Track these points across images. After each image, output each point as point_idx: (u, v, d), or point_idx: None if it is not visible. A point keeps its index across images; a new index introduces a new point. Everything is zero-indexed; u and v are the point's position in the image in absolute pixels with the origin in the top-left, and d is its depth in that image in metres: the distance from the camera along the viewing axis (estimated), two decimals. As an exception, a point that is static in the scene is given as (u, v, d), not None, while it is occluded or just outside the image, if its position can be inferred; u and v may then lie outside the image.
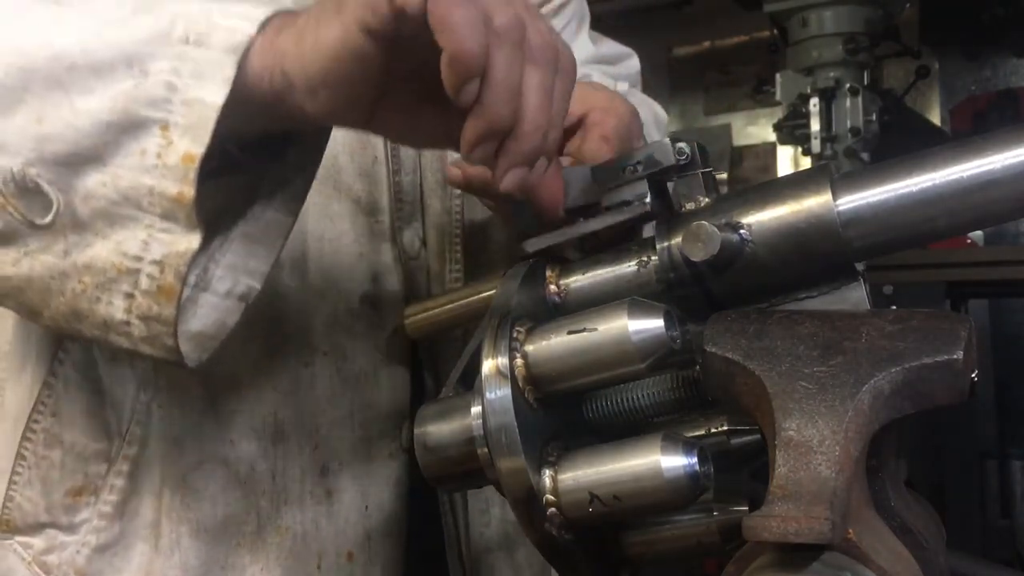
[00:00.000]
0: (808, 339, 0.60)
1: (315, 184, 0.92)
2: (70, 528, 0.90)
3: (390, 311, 0.97)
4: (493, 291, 0.73)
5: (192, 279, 0.71)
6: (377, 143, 0.98)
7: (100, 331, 0.72)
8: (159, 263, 0.68)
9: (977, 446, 2.45)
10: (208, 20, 0.67)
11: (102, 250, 0.68)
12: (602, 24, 1.37)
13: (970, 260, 2.37)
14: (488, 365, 0.65)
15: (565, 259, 0.75)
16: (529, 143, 0.63)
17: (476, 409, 0.68)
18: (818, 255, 0.64)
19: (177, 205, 0.66)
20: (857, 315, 0.61)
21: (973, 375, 0.58)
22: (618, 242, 0.73)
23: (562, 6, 1.28)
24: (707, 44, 4.06)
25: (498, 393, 0.64)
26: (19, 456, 0.91)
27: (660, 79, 3.96)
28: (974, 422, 2.46)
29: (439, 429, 0.73)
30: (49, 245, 0.69)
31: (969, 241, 2.67)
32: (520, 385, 0.65)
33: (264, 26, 0.67)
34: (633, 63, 1.36)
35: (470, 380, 0.76)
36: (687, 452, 0.61)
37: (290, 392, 0.93)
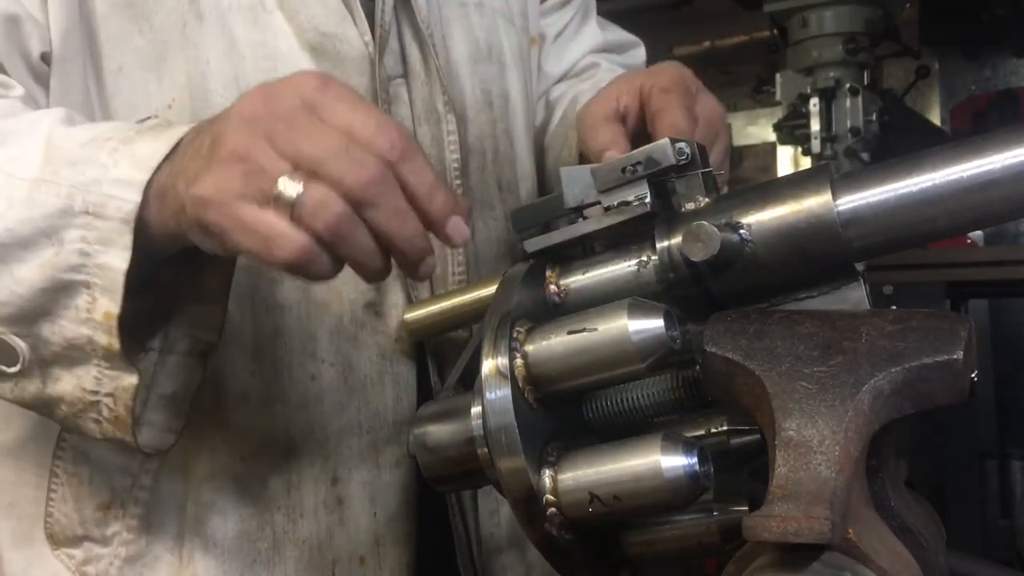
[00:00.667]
0: (808, 339, 0.60)
1: None
2: (103, 541, 0.93)
3: (394, 317, 0.97)
4: (493, 291, 0.73)
5: (156, 344, 0.81)
6: None
7: (96, 441, 0.84)
8: (112, 395, 0.78)
9: (977, 446, 2.45)
10: (100, 192, 0.74)
11: (68, 384, 0.79)
12: (601, 23, 1.37)
13: (970, 260, 2.36)
14: (488, 365, 0.65)
15: (565, 259, 0.75)
16: (414, 254, 0.69)
17: (476, 409, 0.68)
18: (818, 255, 0.64)
19: (110, 352, 0.76)
20: (857, 315, 0.61)
21: (973, 375, 0.58)
22: (618, 242, 0.73)
23: (567, 0, 1.28)
24: (707, 44, 4.06)
25: (498, 393, 0.64)
26: (52, 473, 0.94)
27: (660, 79, 3.95)
28: (974, 422, 2.45)
29: (439, 429, 0.73)
30: (29, 381, 0.80)
31: (969, 241, 2.67)
32: (520, 385, 0.65)
33: (149, 188, 0.73)
34: (640, 53, 1.36)
35: (470, 380, 0.76)
36: (687, 452, 0.61)
37: (299, 406, 0.93)
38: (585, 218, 0.74)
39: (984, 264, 2.34)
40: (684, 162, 0.70)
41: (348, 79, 0.95)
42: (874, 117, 2.59)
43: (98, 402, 0.78)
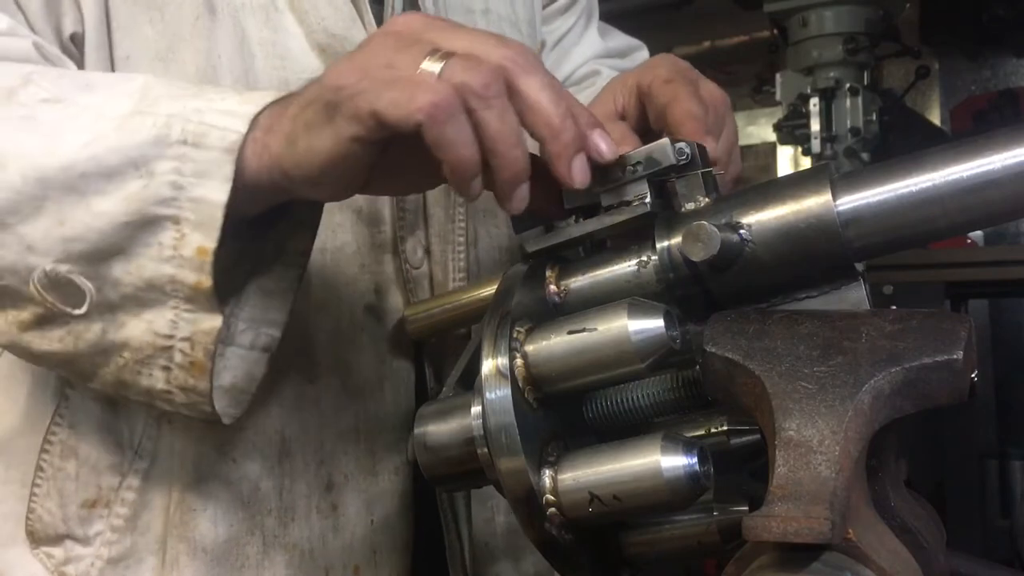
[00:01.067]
0: (808, 339, 0.60)
1: None
2: (85, 540, 0.91)
3: (393, 321, 0.97)
4: (493, 291, 0.73)
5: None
6: None
7: (145, 398, 0.79)
8: (189, 340, 0.74)
9: (977, 446, 2.45)
10: (201, 120, 0.71)
11: (135, 329, 0.74)
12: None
13: (970, 260, 2.37)
14: (488, 365, 0.65)
15: (565, 259, 0.75)
16: (566, 155, 0.66)
17: (476, 409, 0.68)
18: (818, 255, 0.64)
19: (196, 292, 0.72)
20: (857, 315, 0.61)
21: (973, 375, 0.58)
22: (618, 242, 0.73)
23: (571, 4, 1.27)
24: (707, 44, 4.06)
25: (498, 393, 0.64)
26: (38, 468, 0.92)
27: (660, 79, 3.94)
28: (974, 422, 2.46)
29: (439, 429, 0.73)
30: (88, 326, 0.75)
31: (969, 241, 2.67)
32: (520, 385, 0.65)
33: (254, 122, 0.70)
34: (643, 56, 1.35)
35: (470, 380, 0.76)
36: (687, 452, 0.61)
37: (295, 408, 0.92)
38: (585, 218, 0.74)
39: (984, 264, 2.34)
40: (684, 162, 0.70)
41: None
42: (874, 117, 2.60)
43: (171, 347, 0.74)
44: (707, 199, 0.70)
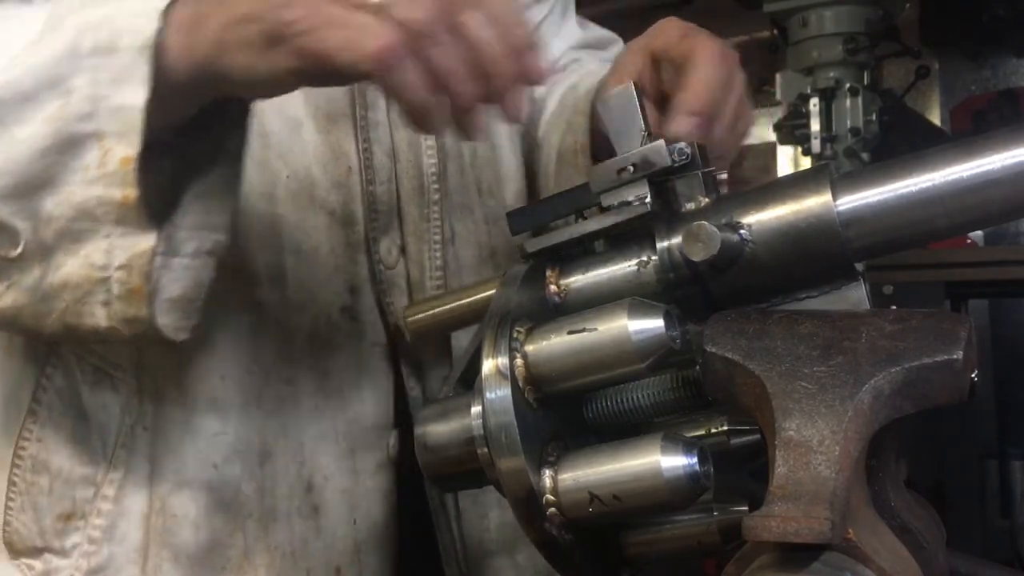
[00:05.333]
0: (808, 339, 0.60)
1: (290, 197, 0.91)
2: (63, 552, 0.89)
3: (369, 322, 0.96)
4: (493, 291, 0.73)
5: (160, 247, 0.73)
6: (350, 153, 0.96)
7: (95, 338, 0.76)
8: (125, 267, 0.71)
9: (977, 446, 2.45)
10: (111, 26, 0.68)
11: (73, 267, 0.72)
12: (602, 24, 1.36)
13: (970, 260, 2.37)
14: (488, 365, 0.65)
15: (565, 259, 0.75)
16: (504, 77, 0.66)
17: (476, 409, 0.68)
18: (818, 255, 0.64)
19: (125, 208, 0.69)
20: (857, 315, 0.61)
21: (973, 375, 0.58)
22: (618, 242, 0.73)
23: None
24: (707, 44, 4.04)
25: (498, 393, 0.64)
26: (10, 482, 0.91)
27: (660, 79, 3.94)
28: (974, 422, 2.46)
29: (439, 429, 0.73)
30: (26, 273, 0.73)
31: (969, 241, 2.67)
32: (520, 385, 0.65)
33: (167, 14, 0.68)
34: (619, 47, 1.33)
35: (470, 380, 0.76)
36: (687, 452, 0.61)
37: (274, 411, 0.91)
38: (585, 218, 0.74)
39: (984, 264, 2.34)
40: (683, 162, 0.70)
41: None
42: (874, 117, 2.59)
43: (108, 279, 0.71)
44: (707, 199, 0.70)
